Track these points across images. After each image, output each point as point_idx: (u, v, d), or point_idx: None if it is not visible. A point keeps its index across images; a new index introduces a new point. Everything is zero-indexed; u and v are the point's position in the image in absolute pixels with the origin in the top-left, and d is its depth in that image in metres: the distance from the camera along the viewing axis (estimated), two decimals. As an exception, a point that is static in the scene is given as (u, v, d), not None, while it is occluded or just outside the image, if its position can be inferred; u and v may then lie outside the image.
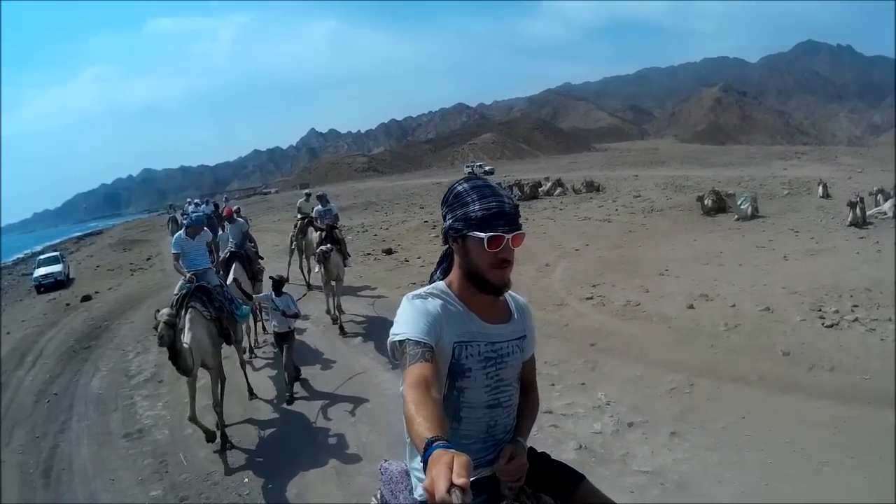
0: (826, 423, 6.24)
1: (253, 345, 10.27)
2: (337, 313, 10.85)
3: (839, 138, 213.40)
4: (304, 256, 14.25)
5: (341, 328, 10.62)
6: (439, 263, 2.22)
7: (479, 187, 1.99)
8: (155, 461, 7.01)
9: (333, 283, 10.71)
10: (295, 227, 14.46)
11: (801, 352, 8.02)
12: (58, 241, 60.70)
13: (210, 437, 6.88)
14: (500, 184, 2.07)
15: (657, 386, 7.48)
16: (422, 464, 1.37)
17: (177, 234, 8.00)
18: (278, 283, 8.25)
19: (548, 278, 13.08)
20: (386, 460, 2.31)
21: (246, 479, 6.41)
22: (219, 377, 7.15)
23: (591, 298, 11.38)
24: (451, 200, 2.04)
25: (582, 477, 2.18)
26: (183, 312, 6.86)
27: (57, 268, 24.24)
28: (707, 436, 6.21)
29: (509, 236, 1.92)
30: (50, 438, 8.14)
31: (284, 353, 8.09)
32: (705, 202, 20.63)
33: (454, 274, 2.06)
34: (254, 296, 9.15)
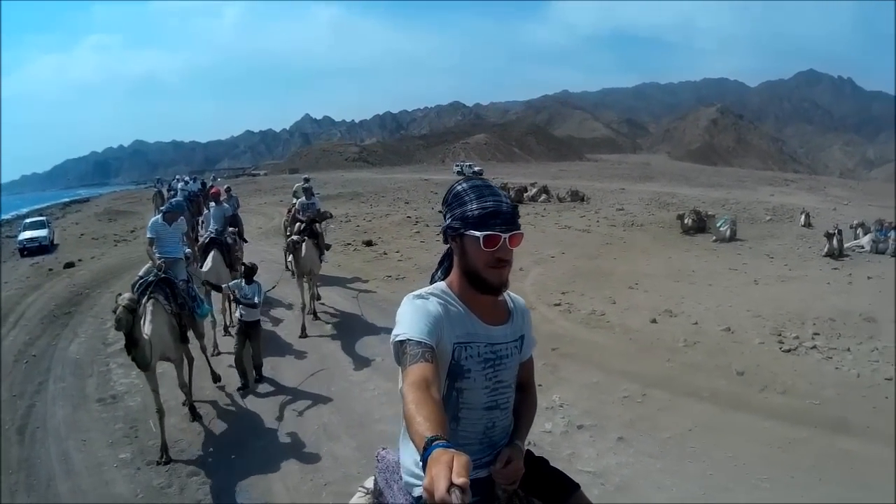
0: (772, 443, 6.57)
1: (224, 329, 10.27)
2: (311, 305, 10.77)
3: (831, 169, 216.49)
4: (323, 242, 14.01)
5: (314, 314, 10.68)
6: (440, 263, 2.24)
7: (478, 187, 2.03)
8: (126, 426, 7.29)
9: (306, 276, 10.53)
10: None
11: (756, 373, 8.38)
12: (44, 205, 60.21)
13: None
14: None
15: (612, 393, 7.80)
16: (421, 463, 1.39)
17: (154, 219, 7.97)
18: (249, 271, 8.22)
19: (520, 282, 13.32)
20: (384, 448, 2.36)
21: (211, 449, 6.73)
22: (181, 365, 7.11)
23: (559, 305, 11.70)
24: (451, 200, 2.05)
25: (577, 486, 2.23)
26: (144, 300, 6.67)
27: (42, 233, 24.29)
28: (653, 444, 6.53)
29: (506, 236, 1.94)
30: (27, 398, 8.35)
31: (251, 342, 8.09)
32: (685, 221, 21.10)
33: (454, 274, 2.08)
34: (223, 286, 8.88)
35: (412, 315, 1.90)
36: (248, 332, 8.08)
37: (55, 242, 24.81)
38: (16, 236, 25.88)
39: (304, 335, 10.13)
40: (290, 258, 10.80)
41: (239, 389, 8.00)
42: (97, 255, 20.29)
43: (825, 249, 17.08)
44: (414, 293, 2.01)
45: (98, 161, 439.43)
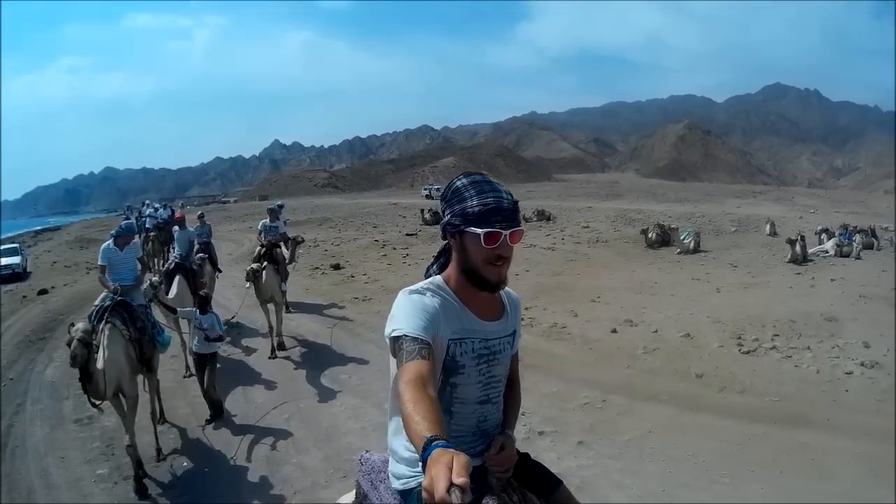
0: (731, 440, 6.85)
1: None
2: (277, 327, 10.61)
3: (800, 180, 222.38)
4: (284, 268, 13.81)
5: (278, 346, 10.54)
6: (437, 258, 2.23)
7: (478, 182, 2.03)
8: (102, 444, 7.40)
9: (269, 305, 10.38)
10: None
11: (715, 374, 8.69)
12: (15, 233, 59.45)
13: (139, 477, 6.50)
14: None
15: (572, 401, 8.03)
16: (420, 463, 1.41)
17: (104, 245, 7.46)
18: (203, 300, 8.01)
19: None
20: (367, 451, 2.37)
21: (185, 464, 6.93)
22: (135, 407, 6.59)
23: (522, 320, 11.84)
24: (450, 196, 2.05)
25: (560, 481, 2.26)
26: (101, 326, 6.37)
27: (15, 259, 24.38)
28: (612, 446, 6.75)
29: (507, 233, 1.95)
30: (5, 419, 8.43)
31: (206, 376, 7.81)
32: (649, 235, 21.66)
33: (451, 269, 2.09)
34: (178, 310, 8.57)
35: (408, 310, 1.92)
36: (204, 365, 7.86)
37: (28, 270, 24.86)
38: None
39: (273, 356, 10.20)
40: (247, 286, 10.47)
41: (209, 422, 7.88)
42: (70, 282, 20.26)
43: (788, 256, 17.59)
44: (409, 288, 2.02)
45: (69, 188, 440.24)
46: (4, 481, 6.75)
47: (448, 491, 1.23)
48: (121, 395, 6.41)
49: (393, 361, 1.95)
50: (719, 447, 6.66)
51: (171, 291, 9.53)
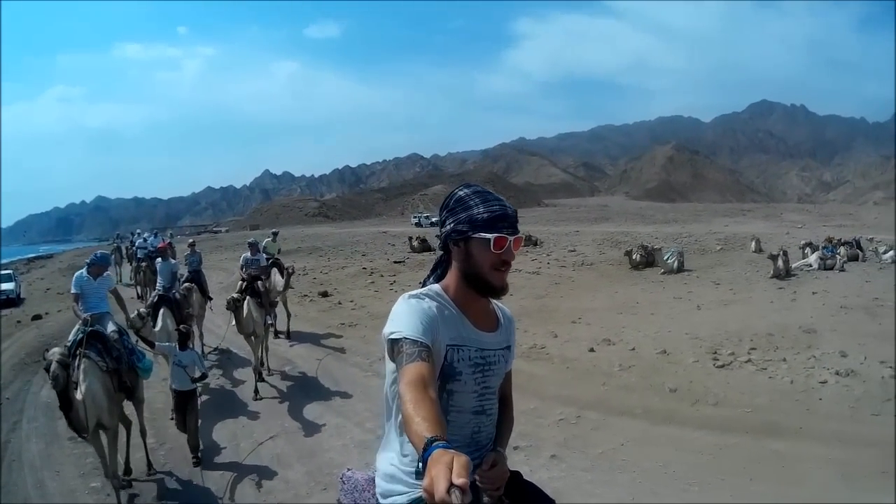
0: (703, 451, 7.14)
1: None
2: (259, 370, 10.50)
3: (789, 196, 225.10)
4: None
5: (265, 369, 10.74)
6: (433, 270, 2.27)
7: (481, 192, 2.10)
8: (96, 460, 7.41)
9: (252, 338, 10.30)
10: None
11: (689, 388, 9.03)
12: (8, 260, 59.43)
13: None
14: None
15: (547, 417, 8.34)
16: (420, 463, 1.43)
17: (78, 274, 7.60)
18: (184, 336, 7.86)
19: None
20: (349, 469, 2.41)
21: (174, 476, 7.39)
22: (115, 440, 6.64)
23: (509, 339, 12.13)
24: (453, 205, 2.10)
25: (552, 501, 2.29)
26: (76, 363, 6.27)
27: (10, 285, 24.86)
28: (585, 459, 7.05)
29: (512, 238, 2.02)
30: (2, 435, 8.78)
31: (187, 417, 7.58)
32: (633, 257, 22.04)
33: (450, 278, 2.13)
34: (156, 344, 8.47)
35: (408, 314, 1.95)
36: (184, 404, 7.61)
37: (22, 296, 25.31)
38: None
39: (257, 397, 9.89)
40: (232, 322, 10.50)
41: (195, 464, 7.60)
42: (63, 308, 20.41)
43: (772, 271, 17.92)
44: (409, 293, 2.06)
45: (60, 217, 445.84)
46: (2, 491, 7.16)
47: (448, 491, 1.25)
48: (100, 431, 6.43)
49: (390, 365, 2.01)
50: (690, 458, 6.92)
51: (156, 324, 9.70)
